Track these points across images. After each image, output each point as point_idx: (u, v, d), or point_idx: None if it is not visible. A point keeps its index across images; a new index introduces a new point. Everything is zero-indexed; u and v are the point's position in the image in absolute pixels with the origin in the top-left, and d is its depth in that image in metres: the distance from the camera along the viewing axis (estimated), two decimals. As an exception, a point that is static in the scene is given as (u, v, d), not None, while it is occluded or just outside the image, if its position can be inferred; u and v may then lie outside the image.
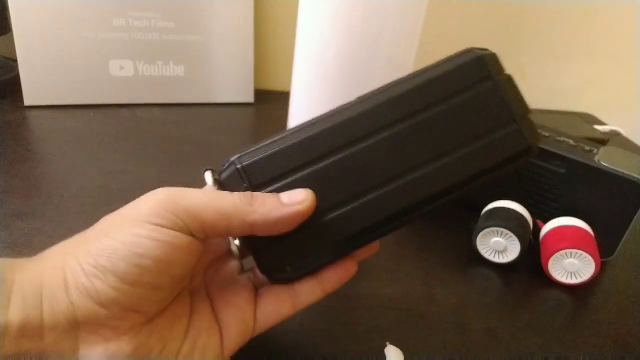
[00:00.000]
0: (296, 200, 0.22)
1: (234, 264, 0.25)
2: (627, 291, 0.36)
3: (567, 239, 0.34)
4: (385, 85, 0.24)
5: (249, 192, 0.21)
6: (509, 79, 0.24)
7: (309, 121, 0.23)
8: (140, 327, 0.20)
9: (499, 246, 0.36)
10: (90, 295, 0.18)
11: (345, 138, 0.23)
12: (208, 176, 0.23)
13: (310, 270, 0.24)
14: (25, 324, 0.17)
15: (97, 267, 0.18)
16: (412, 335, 0.29)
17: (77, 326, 0.18)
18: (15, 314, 0.17)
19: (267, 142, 0.23)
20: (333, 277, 0.24)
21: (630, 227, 0.35)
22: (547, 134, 0.39)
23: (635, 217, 0.35)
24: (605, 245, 0.36)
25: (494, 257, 0.36)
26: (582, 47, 0.69)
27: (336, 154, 0.23)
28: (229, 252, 0.25)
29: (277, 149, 0.23)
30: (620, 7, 0.66)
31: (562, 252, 0.34)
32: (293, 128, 0.23)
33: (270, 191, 0.23)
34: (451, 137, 0.23)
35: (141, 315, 0.20)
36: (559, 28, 0.68)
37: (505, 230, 0.35)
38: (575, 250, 0.34)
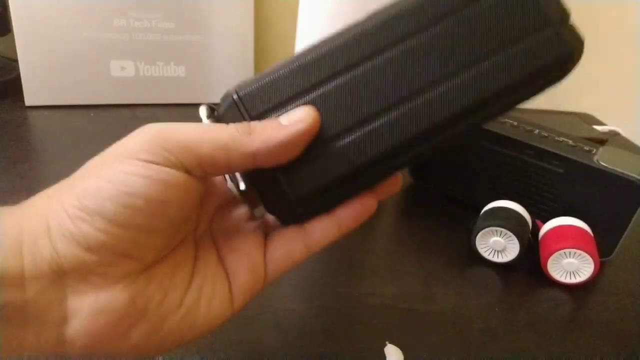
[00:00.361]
0: (297, 118, 0.19)
1: (241, 210, 0.23)
2: (627, 291, 0.36)
3: (566, 239, 0.34)
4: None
5: (246, 122, 0.20)
6: None
7: (314, 44, 0.21)
8: (135, 274, 0.18)
9: (498, 246, 0.36)
10: (77, 241, 0.17)
11: (354, 56, 0.20)
12: (202, 111, 0.21)
13: (323, 207, 0.22)
14: (3, 274, 0.16)
15: (83, 209, 0.17)
16: (412, 334, 0.30)
17: (63, 275, 0.17)
18: None
19: (267, 70, 0.21)
20: (350, 214, 0.22)
21: (629, 227, 0.35)
22: (546, 134, 0.39)
23: (634, 217, 0.35)
24: (604, 245, 0.36)
25: (493, 256, 0.37)
26: (582, 47, 0.69)
27: (344, 74, 0.20)
28: (235, 197, 0.22)
29: (277, 75, 0.20)
30: (620, 7, 0.66)
31: (561, 251, 0.34)
32: (297, 53, 0.21)
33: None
34: (478, 45, 0.20)
35: (135, 262, 0.18)
36: (558, 28, 0.68)
37: (504, 230, 0.35)
38: (575, 250, 0.34)
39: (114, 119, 0.54)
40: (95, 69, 0.55)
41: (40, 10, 0.51)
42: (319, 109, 0.20)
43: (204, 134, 0.19)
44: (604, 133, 0.62)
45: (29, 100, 0.53)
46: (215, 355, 0.26)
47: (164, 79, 0.58)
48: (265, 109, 0.20)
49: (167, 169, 0.18)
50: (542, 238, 0.37)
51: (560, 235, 0.35)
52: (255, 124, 0.19)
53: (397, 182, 0.23)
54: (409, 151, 0.21)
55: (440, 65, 0.20)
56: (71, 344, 0.17)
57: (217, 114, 0.21)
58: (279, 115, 0.20)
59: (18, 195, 0.38)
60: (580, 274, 0.34)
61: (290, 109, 0.20)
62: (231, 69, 0.60)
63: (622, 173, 0.35)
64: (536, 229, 0.38)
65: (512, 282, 0.35)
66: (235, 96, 0.21)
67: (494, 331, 0.31)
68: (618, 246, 0.36)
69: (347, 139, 0.20)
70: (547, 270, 0.35)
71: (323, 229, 0.22)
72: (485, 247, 0.37)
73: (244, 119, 0.20)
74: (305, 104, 0.20)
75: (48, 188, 0.19)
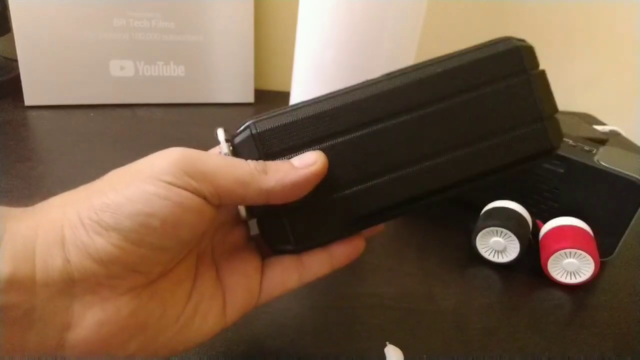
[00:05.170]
0: (308, 162, 0.21)
1: (242, 229, 0.25)
2: (627, 291, 0.36)
3: (567, 239, 0.34)
4: (414, 65, 0.23)
5: (262, 162, 0.21)
6: (542, 75, 0.23)
7: (332, 93, 0.23)
8: (141, 288, 0.19)
9: (498, 246, 0.36)
10: (89, 253, 0.17)
11: (367, 116, 0.22)
12: (220, 134, 0.22)
13: (314, 245, 0.24)
14: (14, 278, 0.16)
15: (100, 222, 0.17)
16: (412, 335, 0.29)
17: (72, 284, 0.17)
18: (3, 266, 0.16)
19: (286, 110, 0.22)
20: (342, 253, 0.24)
21: (629, 227, 0.35)
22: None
23: (635, 217, 0.35)
24: (604, 245, 0.36)
25: (493, 256, 0.37)
26: (582, 47, 0.69)
27: (356, 131, 0.22)
28: (237, 217, 0.24)
29: (295, 118, 0.22)
30: (620, 7, 0.66)
31: (562, 252, 0.34)
32: (314, 98, 0.23)
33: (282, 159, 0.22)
34: (475, 127, 0.23)
35: (142, 276, 0.19)
36: (558, 28, 0.68)
37: (504, 230, 0.35)
38: (575, 250, 0.34)
39: (113, 118, 0.54)
40: (95, 68, 0.55)
41: (40, 10, 0.51)
42: (328, 159, 0.22)
43: (226, 167, 0.20)
44: (604, 133, 0.62)
45: (28, 100, 0.53)
46: (216, 356, 0.26)
47: (163, 79, 0.58)
48: (278, 149, 0.22)
49: (187, 193, 0.18)
50: (542, 238, 0.37)
51: (560, 235, 0.35)
52: (270, 164, 0.21)
53: (381, 225, 0.25)
54: (401, 209, 0.23)
55: (440, 140, 0.23)
56: (71, 349, 0.18)
57: (234, 142, 0.22)
58: (289, 157, 0.22)
59: (18, 194, 0.38)
60: (581, 274, 0.34)
61: (301, 153, 0.22)
62: (231, 69, 0.60)
63: (622, 173, 0.35)
64: (536, 229, 0.38)
65: (512, 282, 0.35)
66: (254, 131, 0.22)
67: (494, 331, 0.31)
68: (618, 246, 0.36)
69: (350, 190, 0.23)
70: (547, 270, 0.35)
71: (317, 263, 0.24)
72: (485, 247, 0.37)
73: (258, 154, 0.22)
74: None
75: (65, 192, 0.19)
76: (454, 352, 0.29)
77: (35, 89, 0.53)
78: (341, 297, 0.32)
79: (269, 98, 0.64)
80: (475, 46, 0.23)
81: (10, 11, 0.50)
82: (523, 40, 0.23)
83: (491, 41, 0.23)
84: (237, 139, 0.22)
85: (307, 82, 0.44)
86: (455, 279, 0.35)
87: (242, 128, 0.22)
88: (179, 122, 0.55)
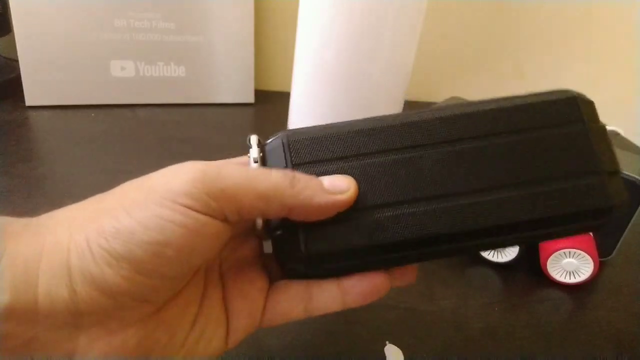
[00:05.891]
0: (339, 188, 0.20)
1: (253, 242, 0.24)
2: (626, 291, 0.36)
3: (566, 239, 0.34)
4: (461, 104, 0.22)
5: (290, 172, 0.19)
6: (602, 130, 0.22)
7: (373, 117, 0.22)
8: (148, 317, 0.18)
9: (498, 246, 0.36)
10: (98, 284, 0.16)
11: (411, 140, 0.21)
12: (254, 140, 0.21)
13: (328, 270, 0.22)
14: (14, 307, 0.15)
15: (110, 251, 0.16)
16: (411, 334, 0.30)
17: (79, 316, 0.16)
18: (1, 295, 0.15)
19: (323, 125, 0.22)
20: (358, 291, 0.21)
21: (629, 227, 0.35)
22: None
23: (634, 217, 0.35)
24: (604, 244, 0.36)
25: (493, 256, 0.37)
26: (582, 47, 0.69)
27: (393, 153, 0.21)
28: (250, 229, 0.23)
29: (331, 131, 0.21)
30: (620, 7, 0.66)
31: (561, 251, 0.34)
32: (353, 121, 0.22)
33: (311, 173, 0.20)
34: (523, 170, 0.21)
35: (151, 305, 0.18)
36: (558, 28, 0.68)
37: (504, 230, 0.35)
38: (574, 250, 0.34)
39: (114, 119, 0.54)
40: (96, 69, 0.55)
41: (41, 10, 0.51)
42: (358, 178, 0.20)
43: (248, 182, 0.18)
44: (603, 133, 0.62)
45: (29, 101, 0.53)
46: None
47: (164, 79, 0.58)
48: (309, 160, 0.21)
49: (206, 218, 0.17)
50: (541, 238, 0.37)
51: (560, 235, 0.35)
52: (299, 178, 0.19)
53: (413, 271, 0.23)
54: (430, 247, 0.21)
55: (485, 178, 0.21)
56: None
57: (264, 149, 0.22)
58: (319, 171, 0.20)
59: (19, 195, 0.38)
60: (580, 273, 0.35)
61: (332, 168, 0.21)
62: (231, 69, 0.60)
63: (621, 173, 0.35)
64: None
65: (511, 282, 0.36)
66: (285, 140, 0.21)
67: (494, 331, 0.31)
68: (618, 246, 0.36)
69: (377, 215, 0.21)
70: (546, 270, 0.35)
71: (328, 298, 0.22)
72: (485, 247, 0.37)
73: (286, 164, 0.21)
74: (347, 168, 0.21)
75: (71, 205, 0.18)
76: (454, 352, 0.29)
77: (36, 90, 0.53)
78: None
79: (269, 98, 0.64)
80: (528, 94, 0.22)
81: (11, 12, 0.50)
82: (582, 95, 0.22)
83: (548, 91, 0.22)
84: (268, 146, 0.21)
85: (307, 82, 0.44)
86: (455, 279, 0.35)
87: (274, 136, 0.22)
88: (180, 122, 0.55)
